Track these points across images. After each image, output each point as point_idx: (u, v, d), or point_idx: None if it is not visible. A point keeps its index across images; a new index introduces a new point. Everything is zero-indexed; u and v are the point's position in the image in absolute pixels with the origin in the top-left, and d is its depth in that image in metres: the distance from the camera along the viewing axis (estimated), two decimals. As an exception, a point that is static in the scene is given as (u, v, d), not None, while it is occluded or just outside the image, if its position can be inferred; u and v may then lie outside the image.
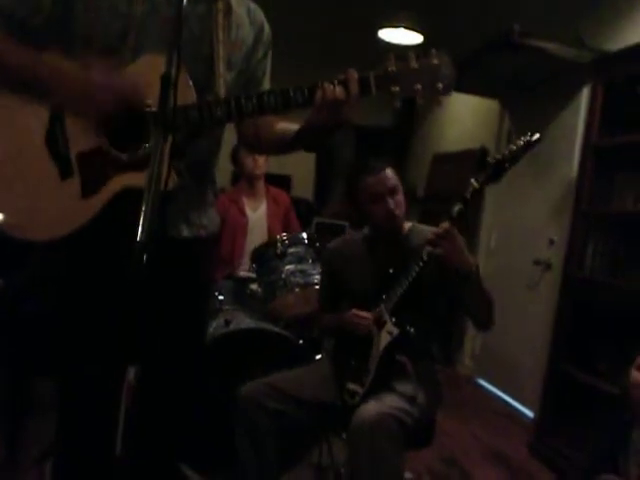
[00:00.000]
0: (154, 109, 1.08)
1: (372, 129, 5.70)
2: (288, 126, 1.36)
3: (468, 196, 1.66)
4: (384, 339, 1.81)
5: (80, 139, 1.18)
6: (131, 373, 0.90)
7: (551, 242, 3.50)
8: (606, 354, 2.66)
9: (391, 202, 1.85)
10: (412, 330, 1.80)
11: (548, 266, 3.53)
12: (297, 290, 2.46)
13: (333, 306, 2.10)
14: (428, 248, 1.69)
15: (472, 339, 4.38)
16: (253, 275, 2.70)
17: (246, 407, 1.82)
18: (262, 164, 3.07)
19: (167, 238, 1.27)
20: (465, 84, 3.67)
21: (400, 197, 1.89)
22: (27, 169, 1.19)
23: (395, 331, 1.79)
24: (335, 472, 2.33)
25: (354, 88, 1.15)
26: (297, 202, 3.64)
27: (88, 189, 1.19)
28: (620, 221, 2.82)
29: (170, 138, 0.96)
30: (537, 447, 2.99)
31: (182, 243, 1.33)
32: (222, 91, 1.25)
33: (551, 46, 3.01)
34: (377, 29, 4.19)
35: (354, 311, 1.88)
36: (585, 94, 3.20)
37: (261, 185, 3.16)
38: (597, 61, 2.87)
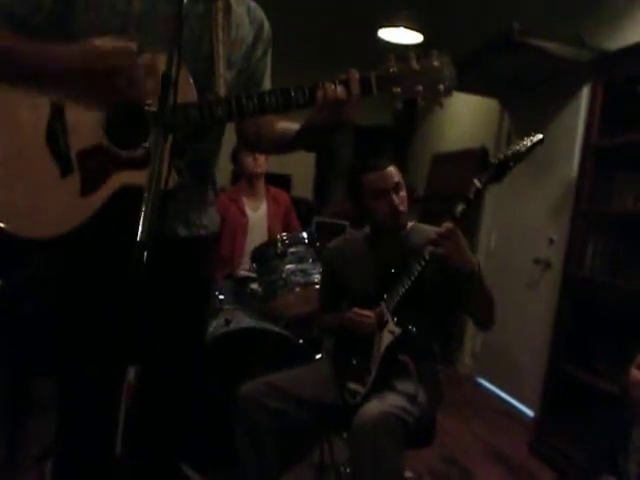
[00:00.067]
0: (154, 107, 1.08)
1: (372, 129, 5.70)
2: (289, 125, 1.36)
3: (471, 196, 1.66)
4: (386, 338, 1.81)
5: (80, 136, 1.18)
6: (131, 373, 0.90)
7: (551, 241, 3.50)
8: (606, 353, 2.66)
9: (395, 198, 1.86)
10: (414, 330, 1.80)
11: (548, 265, 3.53)
12: (297, 290, 2.46)
13: (333, 306, 2.10)
14: (430, 248, 1.69)
15: (472, 338, 4.38)
16: (253, 275, 2.70)
17: (246, 407, 1.82)
18: (262, 163, 3.07)
19: (167, 237, 1.26)
20: (465, 84, 3.62)
21: (403, 194, 1.90)
22: (27, 166, 1.19)
23: (397, 330, 1.79)
24: (336, 472, 2.33)
25: (355, 88, 1.15)
26: (297, 202, 3.65)
27: (87, 186, 1.18)
28: (620, 221, 2.82)
29: (170, 137, 0.96)
30: (537, 446, 2.99)
31: (182, 242, 1.33)
32: (222, 90, 1.25)
33: (551, 45, 3.01)
34: (377, 28, 4.20)
35: (356, 310, 1.87)
36: (585, 94, 3.20)
37: (261, 185, 3.16)
38: (597, 60, 2.87)
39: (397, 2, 3.76)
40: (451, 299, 1.89)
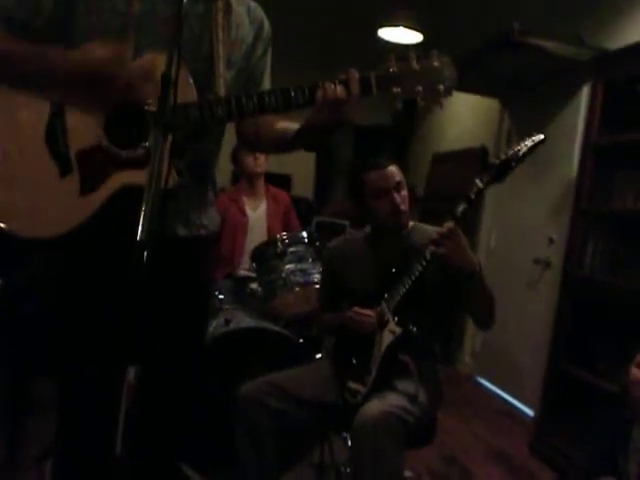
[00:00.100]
0: (154, 107, 1.08)
1: (372, 128, 5.70)
2: (288, 125, 1.36)
3: (473, 196, 1.65)
4: (386, 338, 1.80)
5: (80, 136, 1.18)
6: (131, 373, 0.90)
7: (551, 241, 3.50)
8: (606, 352, 2.66)
9: (397, 197, 1.86)
10: (415, 329, 1.80)
11: (548, 265, 3.53)
12: (297, 289, 2.46)
13: (333, 305, 2.10)
14: (432, 247, 1.69)
15: (472, 338, 4.38)
16: (253, 274, 2.70)
17: (246, 406, 1.82)
18: (262, 163, 3.08)
19: (167, 237, 1.26)
20: (465, 83, 3.61)
21: (405, 193, 1.90)
22: (27, 166, 1.19)
23: (398, 330, 1.79)
24: (336, 471, 2.33)
25: (355, 88, 1.14)
26: (297, 201, 3.65)
27: (87, 186, 1.18)
28: (620, 220, 2.82)
29: (170, 137, 0.96)
30: (537, 446, 2.99)
31: (182, 242, 1.33)
32: (222, 90, 1.25)
33: (551, 45, 3.01)
34: (377, 28, 4.19)
35: (356, 309, 1.87)
36: (585, 93, 3.20)
37: (261, 184, 3.16)
38: (597, 60, 2.87)
39: (397, 2, 3.76)
40: (452, 299, 1.89)
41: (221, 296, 2.69)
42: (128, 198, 1.06)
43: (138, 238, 0.88)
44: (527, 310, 3.70)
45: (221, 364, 2.31)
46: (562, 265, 2.97)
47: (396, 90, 1.16)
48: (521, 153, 1.60)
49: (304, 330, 2.56)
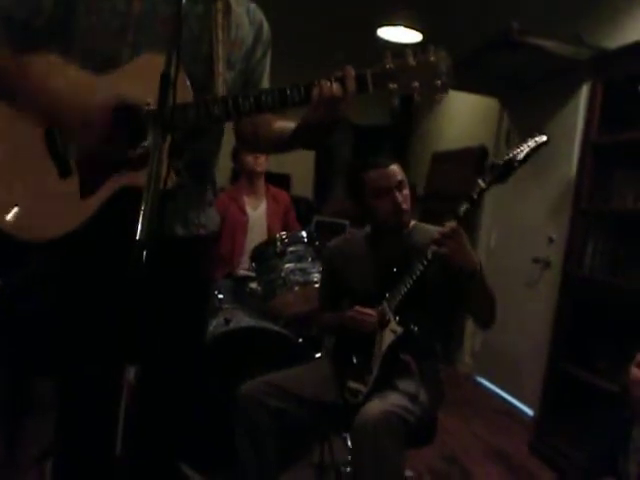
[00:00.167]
0: (152, 108, 1.08)
1: (371, 128, 5.70)
2: (286, 124, 1.36)
3: (475, 196, 1.65)
4: (388, 338, 1.80)
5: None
6: (131, 373, 0.90)
7: (550, 240, 3.50)
8: (606, 352, 2.66)
9: (399, 196, 1.86)
10: (416, 329, 1.80)
11: (547, 264, 3.53)
12: (297, 289, 2.46)
13: (333, 305, 2.09)
14: (433, 247, 1.68)
15: (472, 337, 4.38)
16: (253, 274, 2.71)
17: (246, 406, 1.82)
18: (263, 162, 3.08)
19: (166, 237, 1.26)
20: (464, 82, 3.66)
21: (407, 192, 1.90)
22: (26, 168, 1.19)
23: (399, 330, 1.79)
24: (336, 472, 2.33)
25: (351, 85, 1.14)
26: (297, 201, 3.65)
27: (86, 188, 1.18)
28: (620, 219, 2.82)
29: (169, 137, 0.96)
30: (537, 445, 2.99)
31: (181, 242, 1.33)
32: (221, 91, 1.25)
33: (550, 44, 3.01)
34: (376, 27, 4.19)
35: (357, 308, 1.87)
36: (584, 92, 3.19)
37: (261, 183, 3.16)
38: (596, 59, 2.86)
39: (396, 1, 3.76)
40: (453, 298, 1.89)
41: (221, 295, 2.69)
42: (127, 199, 1.06)
43: (137, 238, 0.88)
44: (527, 310, 3.70)
45: (221, 364, 2.31)
46: (562, 265, 2.97)
47: (392, 86, 1.15)
48: (524, 154, 1.60)
49: (304, 329, 2.56)
